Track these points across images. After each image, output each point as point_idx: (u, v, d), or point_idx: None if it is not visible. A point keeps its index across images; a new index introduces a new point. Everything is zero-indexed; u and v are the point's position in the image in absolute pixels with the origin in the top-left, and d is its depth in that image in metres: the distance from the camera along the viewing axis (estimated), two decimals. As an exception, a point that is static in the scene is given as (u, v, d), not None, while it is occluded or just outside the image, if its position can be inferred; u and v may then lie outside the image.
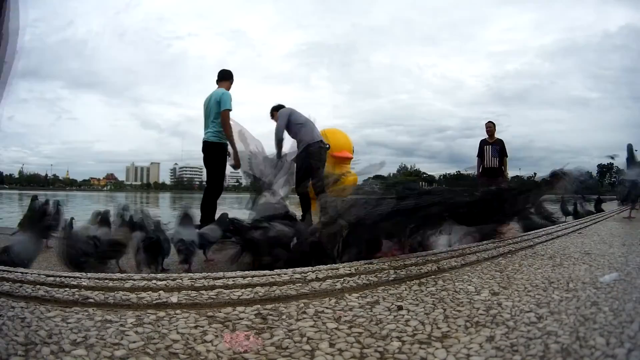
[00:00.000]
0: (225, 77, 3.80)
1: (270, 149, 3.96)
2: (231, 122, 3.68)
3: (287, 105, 4.15)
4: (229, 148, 3.77)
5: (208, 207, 3.61)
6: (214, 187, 3.76)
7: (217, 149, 3.66)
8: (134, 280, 0.99)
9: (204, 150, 3.70)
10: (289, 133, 3.95)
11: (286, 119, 3.94)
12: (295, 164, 4.00)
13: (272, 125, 4.08)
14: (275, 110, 4.10)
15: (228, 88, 3.77)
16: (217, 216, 3.07)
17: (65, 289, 0.90)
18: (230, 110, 3.61)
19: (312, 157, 3.90)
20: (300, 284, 0.98)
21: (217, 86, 3.74)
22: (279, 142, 3.95)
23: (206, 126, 3.71)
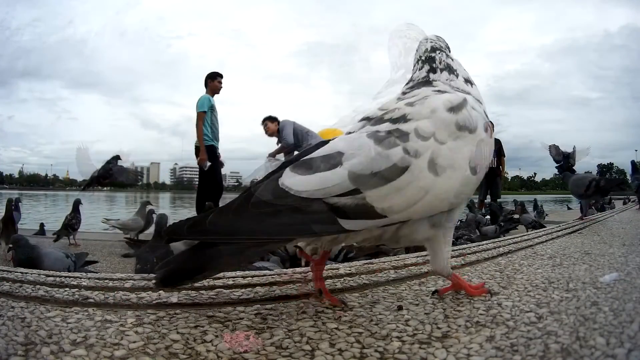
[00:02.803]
0: (205, 84, 4.01)
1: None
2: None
3: (284, 104, 4.29)
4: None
5: (202, 208, 3.76)
6: (206, 188, 3.91)
7: (206, 152, 3.82)
8: (134, 280, 0.99)
9: (195, 154, 3.90)
10: (294, 139, 4.09)
11: (292, 127, 4.08)
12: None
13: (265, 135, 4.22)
14: (269, 121, 4.20)
15: (210, 91, 3.97)
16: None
17: (65, 289, 0.90)
18: (203, 112, 3.80)
19: None
20: (300, 284, 0.98)
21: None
22: (294, 147, 4.10)
23: None
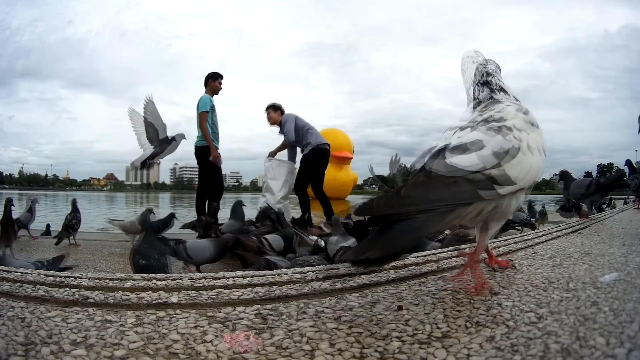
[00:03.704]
0: (205, 83, 3.98)
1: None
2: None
3: (284, 104, 4.19)
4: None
5: (202, 208, 3.76)
6: (207, 188, 3.91)
7: (205, 152, 3.81)
8: (134, 280, 0.99)
9: (195, 154, 3.89)
10: (295, 136, 4.02)
11: (294, 122, 4.02)
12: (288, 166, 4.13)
13: (267, 123, 4.17)
14: (272, 109, 4.12)
15: (210, 91, 3.94)
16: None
17: (65, 289, 0.90)
18: (206, 111, 3.78)
19: (319, 158, 3.98)
20: (300, 284, 0.98)
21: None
22: (295, 143, 4.06)
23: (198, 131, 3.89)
